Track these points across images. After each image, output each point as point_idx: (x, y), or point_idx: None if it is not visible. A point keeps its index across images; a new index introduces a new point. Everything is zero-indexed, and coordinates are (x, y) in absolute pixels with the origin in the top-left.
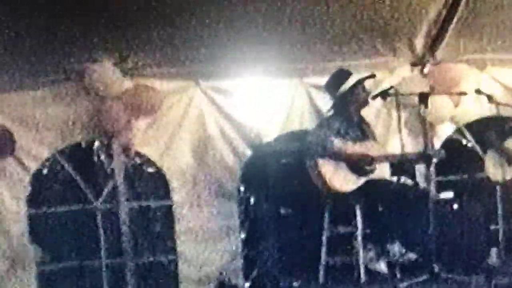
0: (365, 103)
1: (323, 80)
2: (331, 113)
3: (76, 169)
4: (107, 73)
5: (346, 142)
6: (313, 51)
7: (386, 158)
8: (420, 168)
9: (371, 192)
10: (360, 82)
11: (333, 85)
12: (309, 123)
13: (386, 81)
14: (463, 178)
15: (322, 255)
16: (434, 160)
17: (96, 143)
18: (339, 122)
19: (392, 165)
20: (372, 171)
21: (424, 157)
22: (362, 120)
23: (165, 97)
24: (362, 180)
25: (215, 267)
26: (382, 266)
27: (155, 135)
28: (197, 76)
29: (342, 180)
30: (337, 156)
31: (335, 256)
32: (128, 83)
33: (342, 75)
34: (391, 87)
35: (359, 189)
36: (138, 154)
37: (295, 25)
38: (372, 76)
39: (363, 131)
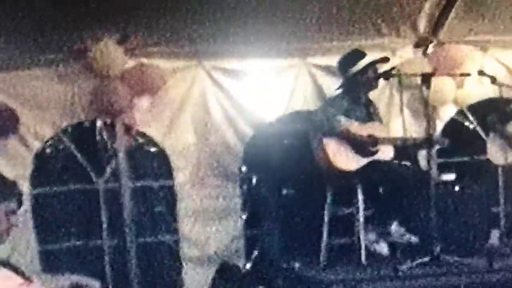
0: (374, 85)
1: (326, 60)
2: (339, 92)
3: (79, 149)
4: (109, 52)
5: (352, 122)
6: (316, 31)
7: (390, 140)
8: (422, 150)
9: (373, 173)
10: (373, 64)
11: (345, 64)
12: (312, 104)
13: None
14: (465, 160)
15: (324, 236)
16: (437, 146)
17: (99, 123)
18: (346, 102)
19: (395, 147)
20: (375, 152)
21: (427, 143)
22: (369, 101)
23: (167, 77)
24: (365, 160)
25: (217, 247)
26: (383, 248)
27: (157, 114)
28: (200, 56)
29: (345, 159)
30: (342, 135)
31: (336, 237)
32: (130, 62)
33: (356, 55)
34: (394, 67)
35: (361, 170)
36: (140, 133)
37: (298, 5)
38: (386, 59)
39: (369, 113)
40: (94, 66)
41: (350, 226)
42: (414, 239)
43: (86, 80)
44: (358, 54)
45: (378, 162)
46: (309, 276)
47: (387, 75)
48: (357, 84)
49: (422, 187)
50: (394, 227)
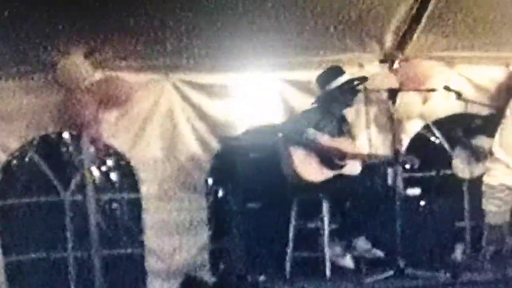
0: (350, 103)
1: (294, 75)
2: (313, 106)
3: (45, 161)
4: (76, 66)
5: (321, 134)
6: (284, 46)
7: (358, 156)
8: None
9: (339, 187)
10: (351, 82)
11: (324, 79)
12: (279, 117)
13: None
14: (431, 175)
15: (289, 250)
16: (407, 166)
17: (65, 135)
18: (319, 116)
19: (362, 163)
20: (342, 166)
21: (395, 160)
22: (343, 118)
23: (134, 90)
24: (331, 173)
25: (182, 260)
26: (348, 262)
27: (124, 127)
28: (167, 69)
29: (311, 169)
30: (310, 146)
31: (301, 251)
32: (97, 76)
33: (335, 71)
34: (360, 83)
35: (327, 183)
36: (106, 146)
37: (265, 20)
38: (364, 79)
39: (340, 129)
40: (61, 79)
41: (315, 240)
42: (379, 253)
43: (53, 93)
44: (337, 71)
45: (344, 176)
46: None
47: (354, 90)
48: (333, 100)
49: (387, 202)
50: (361, 242)
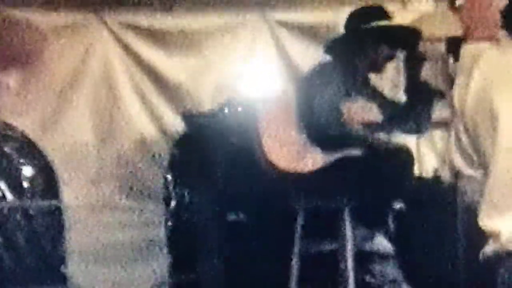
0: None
1: (295, 16)
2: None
3: None
4: None
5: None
6: None
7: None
8: (444, 155)
9: (366, 189)
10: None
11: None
12: (274, 79)
13: (397, 18)
14: None
15: (292, 283)
16: None
17: None
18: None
19: None
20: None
21: None
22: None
23: (50, 40)
24: (334, 156)
25: None
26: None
27: (34, 98)
28: (102, 8)
29: (293, 153)
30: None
31: (311, 285)
32: None
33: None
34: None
35: (348, 185)
36: (7, 127)
37: None
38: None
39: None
40: None
41: (333, 268)
42: None
43: None
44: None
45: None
46: None
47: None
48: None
49: (443, 210)
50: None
